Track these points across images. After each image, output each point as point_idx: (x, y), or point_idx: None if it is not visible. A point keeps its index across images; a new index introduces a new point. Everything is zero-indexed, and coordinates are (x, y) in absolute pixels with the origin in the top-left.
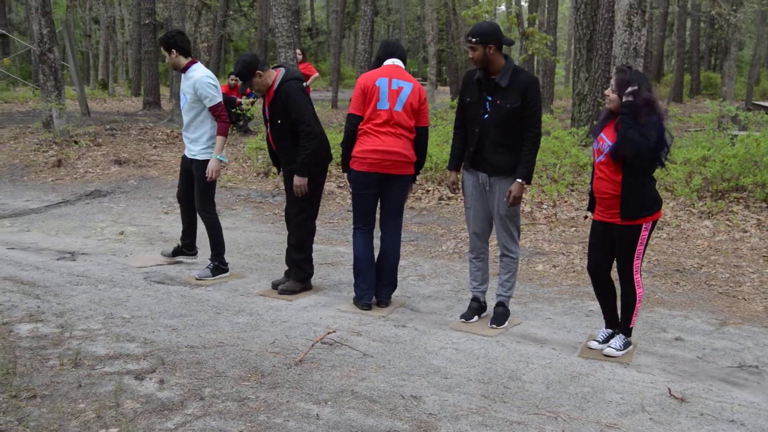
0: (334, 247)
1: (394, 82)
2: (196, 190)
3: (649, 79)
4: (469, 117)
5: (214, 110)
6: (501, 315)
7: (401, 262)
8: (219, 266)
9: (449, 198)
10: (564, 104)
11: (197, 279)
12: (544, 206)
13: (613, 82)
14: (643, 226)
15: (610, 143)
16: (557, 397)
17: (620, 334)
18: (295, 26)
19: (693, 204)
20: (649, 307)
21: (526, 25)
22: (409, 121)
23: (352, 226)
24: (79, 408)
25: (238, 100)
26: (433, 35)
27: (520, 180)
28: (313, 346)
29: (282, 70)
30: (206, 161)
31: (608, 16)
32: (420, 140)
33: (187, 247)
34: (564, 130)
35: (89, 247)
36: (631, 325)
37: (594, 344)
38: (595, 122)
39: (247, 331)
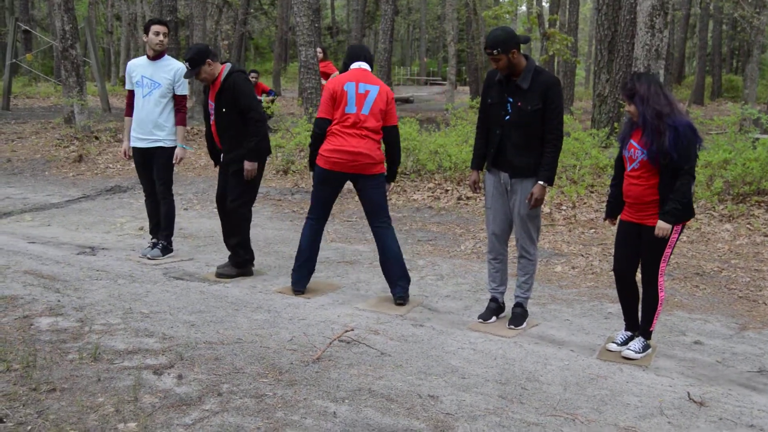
0: (352, 245)
1: (360, 86)
2: (164, 175)
3: (655, 79)
4: (491, 118)
5: (181, 100)
6: (519, 316)
7: (419, 261)
8: (168, 247)
9: (468, 198)
10: (584, 105)
11: (149, 258)
12: (564, 207)
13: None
14: (674, 228)
15: (642, 149)
16: (575, 399)
17: (639, 337)
18: (316, 25)
19: (714, 207)
20: (668, 310)
21: (547, 25)
22: (376, 123)
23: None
24: (98, 402)
25: (258, 98)
26: (454, 35)
27: (542, 182)
28: (330, 343)
29: (228, 65)
30: (173, 147)
31: (630, 17)
32: (390, 140)
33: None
34: (584, 131)
35: (109, 242)
36: (651, 328)
37: (612, 346)
38: (616, 124)
39: (265, 328)
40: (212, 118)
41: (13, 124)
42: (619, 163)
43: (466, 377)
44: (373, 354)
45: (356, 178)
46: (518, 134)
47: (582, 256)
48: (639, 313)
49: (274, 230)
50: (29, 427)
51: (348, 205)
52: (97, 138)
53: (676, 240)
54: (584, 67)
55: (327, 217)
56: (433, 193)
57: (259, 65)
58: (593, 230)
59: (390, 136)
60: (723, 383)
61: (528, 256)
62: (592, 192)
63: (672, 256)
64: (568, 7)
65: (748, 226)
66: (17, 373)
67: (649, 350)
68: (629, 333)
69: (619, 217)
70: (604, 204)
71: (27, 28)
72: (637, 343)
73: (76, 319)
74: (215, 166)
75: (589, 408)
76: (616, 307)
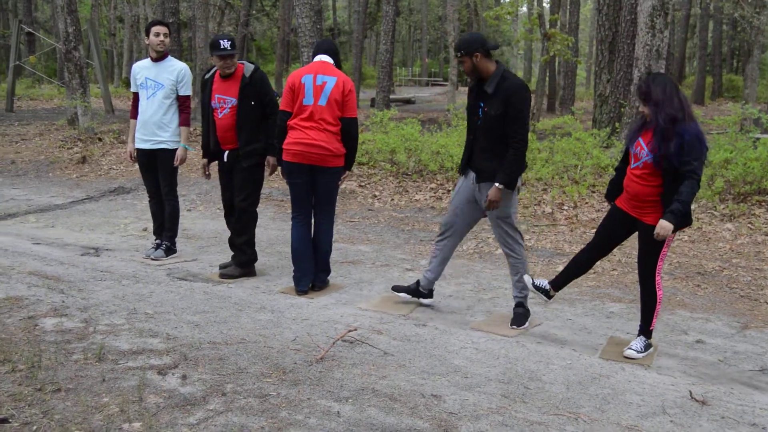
0: (354, 245)
1: (318, 78)
2: (168, 176)
3: (670, 81)
4: (468, 123)
5: (185, 100)
6: (521, 315)
7: (422, 262)
8: (171, 247)
9: None
10: (585, 105)
11: (153, 258)
12: (565, 207)
13: (636, 94)
14: None
15: (649, 152)
16: (577, 398)
17: (641, 336)
18: (318, 26)
19: (715, 207)
20: (670, 309)
21: (547, 26)
22: (333, 114)
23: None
24: (102, 402)
25: None
26: (455, 36)
27: (498, 184)
28: (334, 343)
29: (246, 62)
30: (176, 149)
31: (631, 18)
32: (347, 131)
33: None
34: (585, 131)
35: (113, 243)
36: (651, 327)
37: (527, 278)
38: (617, 124)
39: (269, 328)
40: (221, 113)
41: (17, 126)
42: (626, 156)
43: (469, 377)
44: (377, 354)
45: (314, 169)
46: (484, 139)
47: None
48: (569, 278)
49: (276, 231)
50: (34, 427)
51: (350, 205)
52: (100, 139)
53: (673, 238)
54: (585, 68)
55: (310, 212)
56: (435, 193)
57: (261, 66)
58: (595, 230)
59: (347, 126)
60: (725, 382)
61: (513, 254)
62: (593, 192)
63: (673, 256)
64: (568, 7)
65: (749, 225)
66: (22, 374)
67: (651, 349)
68: (547, 283)
69: (615, 201)
70: (606, 204)
71: (30, 30)
72: (638, 342)
73: (80, 319)
74: (208, 163)
75: (592, 407)
76: (618, 307)
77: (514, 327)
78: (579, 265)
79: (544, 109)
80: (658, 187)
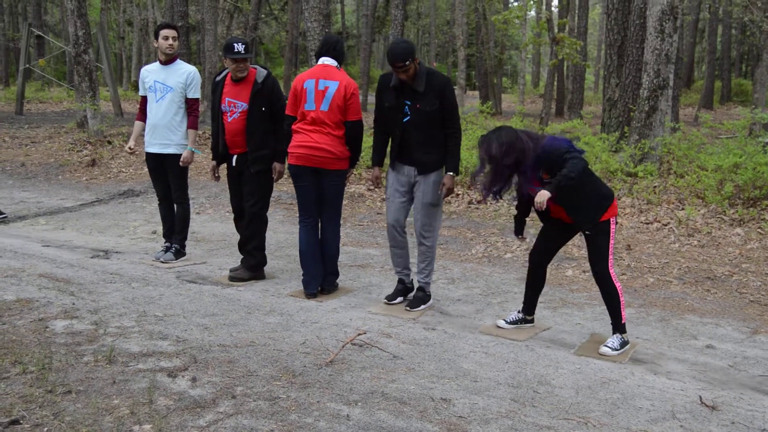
0: (363, 249)
1: (320, 83)
2: (178, 180)
3: (496, 136)
4: (389, 120)
5: (193, 103)
6: (419, 299)
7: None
8: (181, 250)
9: (479, 202)
10: (593, 110)
11: (162, 261)
12: None
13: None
14: (611, 220)
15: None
16: (587, 403)
17: (616, 334)
18: (327, 30)
19: (724, 211)
20: (679, 314)
21: (556, 30)
22: (336, 119)
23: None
24: (113, 404)
25: None
26: (463, 40)
27: (452, 173)
28: (343, 347)
29: (258, 67)
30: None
31: (639, 22)
32: (351, 134)
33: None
34: (594, 135)
35: (122, 245)
36: (623, 321)
37: (501, 323)
38: (626, 128)
39: (278, 331)
40: (231, 116)
41: (27, 129)
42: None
43: (478, 380)
44: (386, 357)
45: (319, 172)
46: (420, 133)
47: None
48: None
49: (285, 234)
50: (45, 429)
51: (359, 209)
52: (109, 142)
53: (615, 228)
54: (593, 72)
55: (317, 215)
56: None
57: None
58: None
59: (351, 130)
60: (735, 387)
61: (426, 242)
62: None
63: (682, 260)
64: (577, 11)
65: (758, 230)
66: (33, 375)
67: (627, 347)
68: (521, 316)
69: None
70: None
71: (40, 33)
72: (614, 340)
73: (90, 321)
74: (217, 165)
75: (601, 412)
76: (627, 311)
77: (408, 309)
78: (538, 282)
79: (552, 113)
80: (572, 200)
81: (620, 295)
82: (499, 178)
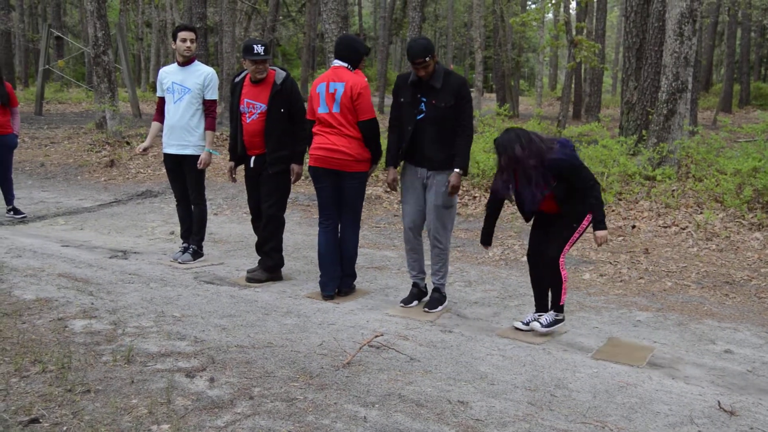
0: (380, 251)
1: (330, 86)
2: (196, 181)
3: (513, 139)
4: (404, 116)
5: (211, 104)
6: (436, 300)
7: (448, 268)
8: (198, 251)
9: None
10: (611, 113)
11: (180, 262)
12: None
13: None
14: (587, 218)
15: (543, 190)
16: (604, 407)
17: (551, 311)
18: (344, 31)
19: (743, 215)
20: (698, 318)
21: (574, 33)
22: (350, 119)
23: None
24: (131, 403)
25: None
26: (481, 42)
27: (458, 170)
28: (360, 349)
29: (277, 68)
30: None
31: (658, 24)
32: (365, 134)
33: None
34: (612, 138)
35: (141, 246)
36: (561, 302)
37: (519, 324)
38: (644, 132)
39: (295, 332)
40: (249, 117)
41: (46, 129)
42: (492, 204)
43: (495, 383)
44: (403, 359)
45: (339, 174)
46: (433, 130)
47: (610, 263)
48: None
49: (303, 235)
50: (65, 428)
51: (376, 211)
52: (128, 143)
53: (585, 228)
54: (611, 75)
55: (336, 218)
56: (461, 199)
57: None
58: (621, 238)
59: (365, 129)
60: (753, 392)
61: (440, 245)
62: (620, 200)
63: (700, 264)
64: (595, 14)
65: None
66: (52, 375)
67: (559, 325)
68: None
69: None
70: (633, 212)
71: (59, 34)
72: (548, 316)
73: (109, 321)
74: (235, 167)
75: (619, 416)
76: (645, 315)
77: (427, 311)
78: (543, 279)
79: (570, 116)
80: (569, 197)
81: (565, 281)
82: (528, 179)
